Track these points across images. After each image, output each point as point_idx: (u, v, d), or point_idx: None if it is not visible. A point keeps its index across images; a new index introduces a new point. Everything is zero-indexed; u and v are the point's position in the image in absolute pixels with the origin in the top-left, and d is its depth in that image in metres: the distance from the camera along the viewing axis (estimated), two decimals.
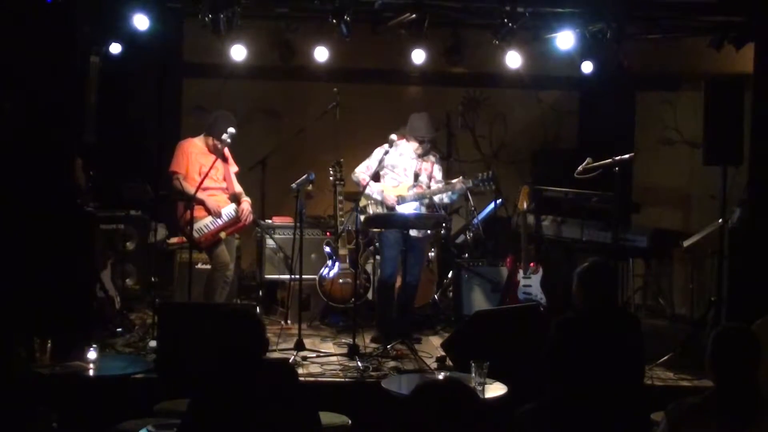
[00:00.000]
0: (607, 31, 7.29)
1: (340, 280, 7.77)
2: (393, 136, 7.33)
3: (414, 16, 7.47)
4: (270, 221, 8.30)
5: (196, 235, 7.22)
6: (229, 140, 7.25)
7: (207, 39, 8.02)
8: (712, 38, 7.57)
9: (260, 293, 8.32)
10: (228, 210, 7.43)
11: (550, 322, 4.57)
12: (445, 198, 7.47)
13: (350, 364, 6.56)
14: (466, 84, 9.87)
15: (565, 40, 7.75)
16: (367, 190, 7.32)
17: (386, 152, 7.30)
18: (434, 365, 6.60)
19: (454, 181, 7.44)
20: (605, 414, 4.32)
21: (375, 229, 7.49)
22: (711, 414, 3.46)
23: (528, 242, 7.89)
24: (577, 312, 4.75)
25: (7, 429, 3.51)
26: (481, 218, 8.66)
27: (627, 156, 7.35)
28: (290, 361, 6.46)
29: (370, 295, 8.10)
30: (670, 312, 8.64)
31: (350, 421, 5.14)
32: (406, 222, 7.30)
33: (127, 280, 8.17)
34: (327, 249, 7.83)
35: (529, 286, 7.70)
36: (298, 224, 7.25)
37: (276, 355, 6.62)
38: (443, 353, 6.60)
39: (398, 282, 7.53)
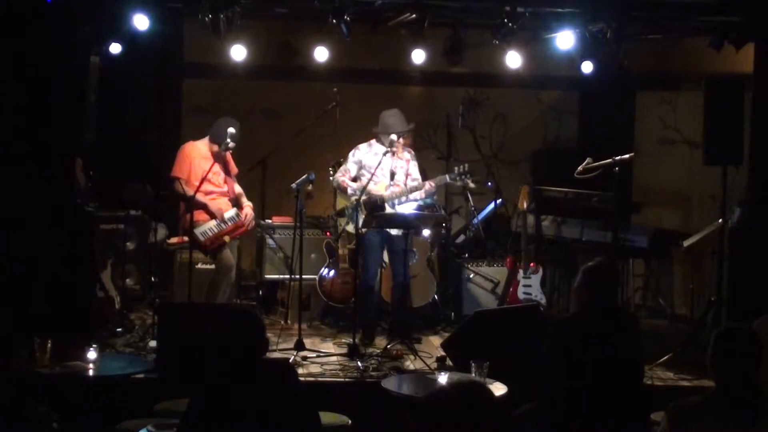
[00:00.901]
0: (607, 31, 7.29)
1: (340, 280, 7.78)
2: (393, 137, 7.33)
3: (414, 16, 7.47)
4: (270, 221, 8.30)
5: (201, 238, 7.23)
6: (231, 146, 7.29)
7: (207, 39, 8.01)
8: (712, 38, 7.57)
9: (260, 293, 8.32)
10: (230, 214, 7.46)
11: (550, 322, 4.58)
12: (423, 194, 7.49)
13: (350, 364, 6.56)
14: (466, 84, 9.87)
15: (565, 40, 7.74)
16: (350, 191, 7.34)
17: (386, 153, 7.31)
18: (434, 365, 6.60)
19: (426, 183, 7.45)
20: (605, 414, 4.32)
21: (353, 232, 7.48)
22: (712, 413, 3.46)
23: (528, 242, 7.89)
24: (577, 312, 4.76)
25: (7, 429, 3.51)
26: (481, 218, 8.66)
27: (627, 156, 7.35)
28: (290, 361, 6.46)
29: None
30: (670, 312, 8.64)
31: (350, 421, 5.15)
32: (406, 222, 7.30)
33: (127, 280, 8.17)
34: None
35: (529, 286, 7.70)
36: (298, 224, 7.25)
37: (276, 355, 6.62)
38: (443, 353, 6.60)
39: (385, 283, 7.56)
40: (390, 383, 5.49)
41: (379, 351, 6.91)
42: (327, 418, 4.83)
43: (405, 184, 7.41)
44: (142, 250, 8.39)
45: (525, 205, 7.87)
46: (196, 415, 3.70)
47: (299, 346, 6.79)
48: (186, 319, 6.18)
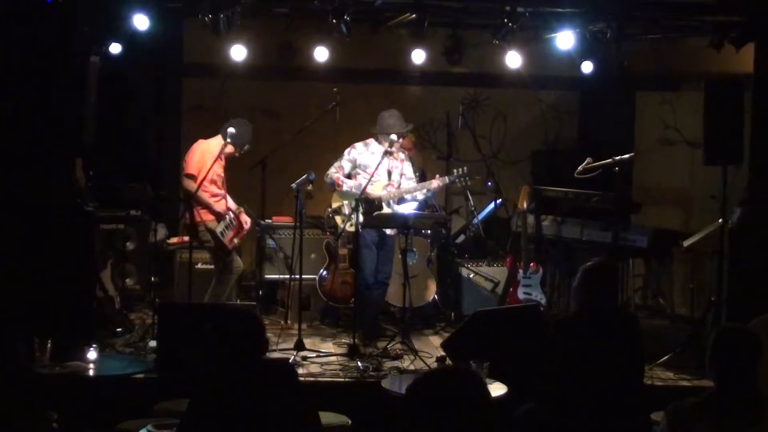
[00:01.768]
0: (607, 31, 7.29)
1: (340, 280, 7.78)
2: (393, 137, 7.34)
3: (414, 16, 7.47)
4: (270, 221, 8.30)
5: (221, 238, 7.26)
6: (244, 150, 7.31)
7: (207, 39, 8.01)
8: (712, 38, 7.57)
9: (260, 293, 8.32)
10: (231, 218, 7.46)
11: (550, 322, 4.58)
12: (419, 195, 7.51)
13: (350, 364, 6.56)
14: (466, 84, 9.87)
15: (565, 40, 7.75)
16: (345, 188, 7.34)
17: (386, 153, 7.32)
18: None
19: (433, 181, 7.45)
20: (605, 414, 4.32)
21: (350, 230, 7.47)
22: (711, 414, 3.46)
23: (528, 242, 7.89)
24: (577, 312, 4.76)
25: (6, 429, 3.51)
26: (481, 218, 8.66)
27: (627, 156, 7.35)
28: (290, 361, 6.46)
29: None
30: (670, 312, 8.64)
31: (350, 421, 5.15)
32: (406, 222, 7.31)
33: (127, 280, 8.17)
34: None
35: (529, 286, 7.69)
36: (298, 224, 7.25)
37: (276, 355, 6.62)
38: (443, 353, 6.60)
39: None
40: (390, 383, 5.49)
41: (379, 351, 6.91)
42: (327, 418, 4.83)
43: (399, 185, 7.42)
44: (142, 250, 8.39)
45: (525, 205, 7.86)
46: (196, 415, 3.70)
47: (299, 346, 6.79)
48: (186, 319, 6.18)
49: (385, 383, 5.52)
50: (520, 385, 4.98)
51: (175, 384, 5.27)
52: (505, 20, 7.25)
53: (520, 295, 7.68)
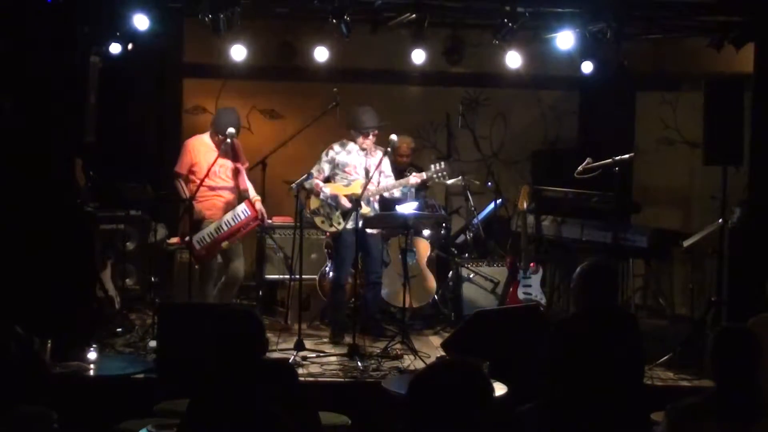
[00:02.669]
0: (607, 31, 7.29)
1: None
2: (393, 137, 7.34)
3: (414, 16, 7.47)
4: (270, 221, 8.29)
5: (197, 246, 7.18)
6: (231, 132, 7.24)
7: (207, 39, 8.01)
8: (712, 38, 7.57)
9: (260, 293, 8.32)
10: (236, 212, 7.35)
11: (550, 322, 4.58)
12: (396, 193, 7.51)
13: (350, 364, 6.56)
14: (466, 84, 9.86)
15: (565, 40, 7.74)
16: (321, 196, 7.34)
17: (385, 152, 7.33)
18: None
19: (410, 177, 7.46)
20: (605, 414, 4.32)
21: (331, 230, 7.47)
22: (711, 414, 3.46)
23: (528, 242, 7.89)
24: (576, 312, 4.75)
25: (7, 429, 3.51)
26: (481, 218, 8.66)
27: (627, 156, 7.35)
28: (290, 361, 6.46)
29: None
30: (670, 312, 8.64)
31: (350, 421, 5.15)
32: (406, 222, 7.32)
33: (127, 280, 8.16)
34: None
35: (529, 286, 7.69)
36: (298, 224, 7.25)
37: (276, 355, 6.62)
38: (443, 353, 6.60)
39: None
40: (390, 383, 5.50)
41: (379, 351, 6.91)
42: (327, 418, 4.83)
43: (378, 183, 7.40)
44: (142, 250, 8.39)
45: (525, 205, 7.87)
46: (196, 415, 3.70)
47: (299, 346, 6.79)
48: (186, 319, 6.18)
49: (385, 383, 5.52)
50: (520, 385, 4.98)
51: (175, 384, 5.27)
52: (505, 20, 7.24)
53: (520, 295, 7.68)
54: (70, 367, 5.19)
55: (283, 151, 8.59)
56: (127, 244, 8.19)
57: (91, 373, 5.16)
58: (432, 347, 7.27)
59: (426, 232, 8.25)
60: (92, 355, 5.21)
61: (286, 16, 8.70)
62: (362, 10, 7.63)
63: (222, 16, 7.05)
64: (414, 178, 7.44)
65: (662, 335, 7.68)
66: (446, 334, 7.28)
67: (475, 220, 8.54)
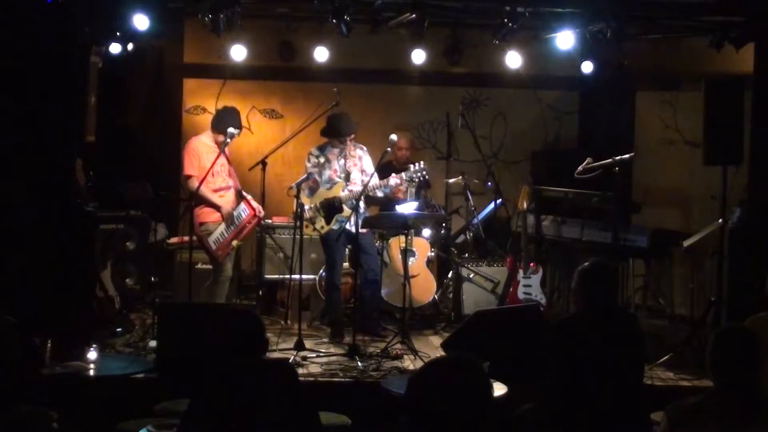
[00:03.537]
0: (607, 31, 7.28)
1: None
2: (393, 137, 7.34)
3: (414, 16, 7.47)
4: (270, 221, 8.30)
5: (213, 246, 7.19)
6: (235, 132, 7.24)
7: (207, 39, 8.01)
8: (712, 38, 7.57)
9: (260, 293, 8.32)
10: (238, 211, 7.37)
11: (550, 322, 4.58)
12: (379, 192, 7.49)
13: (350, 364, 6.56)
14: (466, 84, 9.86)
15: (565, 40, 7.74)
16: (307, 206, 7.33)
17: (385, 152, 7.34)
18: None
19: (390, 178, 7.44)
20: (605, 414, 4.32)
21: (314, 234, 7.46)
22: (711, 414, 3.46)
23: (528, 242, 7.89)
24: (576, 312, 4.75)
25: (6, 429, 3.51)
26: (481, 218, 8.66)
27: (627, 156, 7.35)
28: (290, 361, 6.46)
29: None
30: (670, 312, 8.64)
31: (350, 421, 5.14)
32: (406, 222, 7.32)
33: (127, 280, 8.17)
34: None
35: (529, 286, 7.69)
36: (298, 224, 7.25)
37: (276, 355, 6.62)
38: (443, 353, 6.60)
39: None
40: (390, 383, 5.50)
41: (379, 351, 6.91)
42: (327, 418, 4.83)
43: (361, 181, 7.39)
44: (142, 250, 8.38)
45: (525, 205, 7.87)
46: (196, 415, 3.70)
47: (299, 346, 6.79)
48: (186, 319, 6.17)
49: (385, 383, 5.52)
50: (520, 385, 4.99)
51: (175, 384, 5.27)
52: (505, 20, 7.24)
53: (520, 295, 7.68)
54: (70, 367, 5.17)
55: (283, 151, 8.62)
56: (127, 244, 8.18)
57: (91, 373, 5.14)
58: (432, 347, 7.27)
59: (426, 232, 8.25)
60: (92, 355, 5.19)
61: (286, 16, 8.71)
62: (362, 10, 7.64)
63: (222, 16, 7.05)
64: (394, 179, 7.42)
65: (662, 335, 7.68)
66: (446, 334, 7.28)
67: (475, 220, 8.54)
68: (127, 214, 8.10)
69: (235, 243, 7.41)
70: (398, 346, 6.95)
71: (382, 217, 7.63)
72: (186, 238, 7.47)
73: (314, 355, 6.80)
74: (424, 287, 8.08)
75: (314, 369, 6.51)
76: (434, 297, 8.25)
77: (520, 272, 7.72)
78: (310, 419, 3.82)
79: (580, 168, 7.46)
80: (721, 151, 6.89)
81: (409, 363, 6.66)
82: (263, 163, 7.52)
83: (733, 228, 7.08)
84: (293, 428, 3.70)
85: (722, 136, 6.85)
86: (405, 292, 7.27)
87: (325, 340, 7.43)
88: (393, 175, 7.51)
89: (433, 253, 8.32)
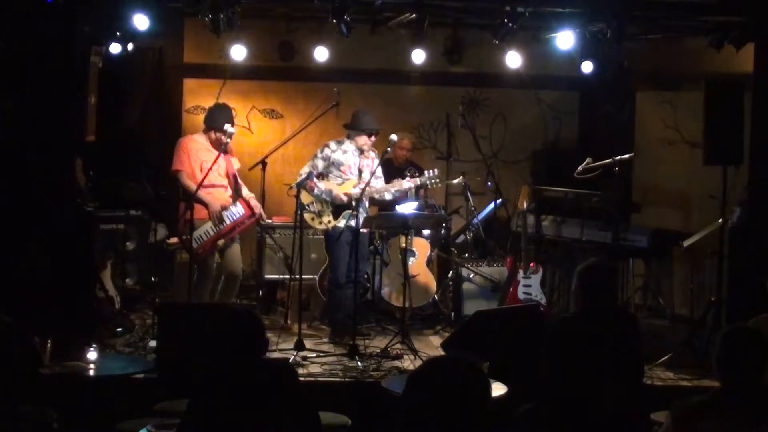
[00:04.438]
0: (607, 31, 7.28)
1: None
2: (393, 137, 7.35)
3: (414, 16, 7.47)
4: (270, 221, 8.30)
5: (194, 243, 7.17)
6: (229, 130, 7.23)
7: (207, 39, 8.01)
8: (712, 38, 7.56)
9: (260, 293, 8.32)
10: (233, 210, 7.36)
11: (550, 322, 4.58)
12: (388, 195, 7.51)
13: (350, 364, 6.56)
14: (466, 84, 9.87)
15: (565, 40, 7.74)
16: (315, 191, 7.32)
17: (385, 152, 7.34)
18: None
19: (404, 181, 7.47)
20: (605, 414, 4.32)
21: (320, 228, 7.46)
22: (716, 413, 3.46)
23: (528, 242, 7.89)
24: (576, 312, 4.76)
25: (6, 429, 3.51)
26: (481, 218, 8.66)
27: (627, 156, 7.35)
28: (290, 361, 6.46)
29: (369, 295, 8.11)
30: (670, 312, 8.64)
31: (350, 421, 5.14)
32: (406, 222, 7.32)
33: (127, 280, 8.17)
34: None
35: (529, 286, 7.69)
36: (298, 224, 7.25)
37: (276, 355, 6.62)
38: (443, 353, 6.60)
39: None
40: (390, 383, 5.50)
41: (379, 351, 6.91)
42: (327, 418, 4.83)
43: (370, 183, 7.40)
44: (142, 250, 8.38)
45: (525, 205, 7.87)
46: (196, 415, 3.70)
47: (299, 346, 6.79)
48: (186, 319, 6.17)
49: (385, 383, 5.52)
50: (520, 385, 4.98)
51: (175, 384, 5.26)
52: (505, 20, 7.24)
53: (520, 295, 7.68)
54: (70, 367, 5.17)
55: (283, 151, 8.62)
56: (127, 244, 8.18)
57: (91, 373, 5.13)
58: (432, 347, 7.27)
59: (426, 232, 8.25)
60: (92, 355, 5.18)
61: (286, 16, 8.71)
62: (362, 10, 7.63)
63: (222, 16, 7.05)
64: (408, 183, 7.43)
65: (662, 335, 7.68)
66: (446, 334, 7.28)
67: (475, 220, 8.54)
68: (127, 214, 8.10)
69: (221, 242, 7.36)
70: (398, 346, 6.95)
71: (382, 217, 7.62)
72: (184, 237, 7.47)
73: (314, 355, 6.80)
74: (424, 287, 8.08)
75: (314, 369, 6.51)
76: (434, 297, 8.25)
77: (520, 272, 7.72)
78: (310, 419, 3.82)
79: (580, 168, 7.46)
80: (721, 151, 6.89)
81: (409, 363, 6.66)
82: (263, 163, 7.53)
83: (733, 228, 7.08)
84: (293, 428, 3.70)
85: (722, 136, 6.85)
86: (405, 292, 7.27)
87: (325, 340, 7.43)
88: (407, 178, 7.52)
89: (433, 253, 8.32)
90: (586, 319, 4.58)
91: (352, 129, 7.40)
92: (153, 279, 7.93)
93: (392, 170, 8.14)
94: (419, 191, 8.17)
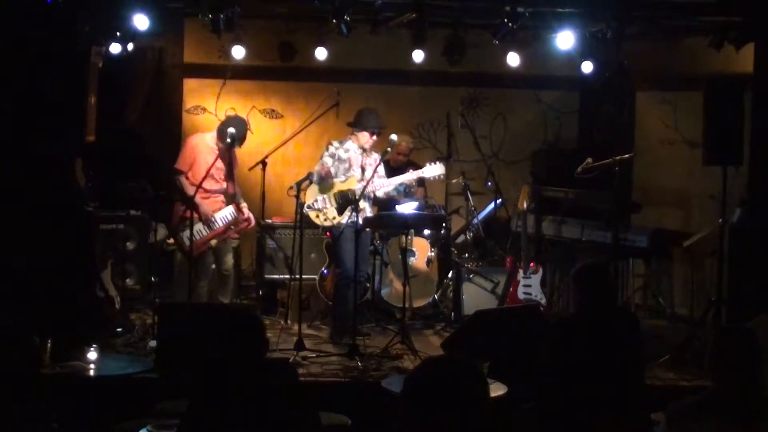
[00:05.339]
0: (607, 31, 7.29)
1: None
2: (393, 137, 7.35)
3: (414, 16, 7.47)
4: (270, 221, 8.30)
5: (186, 242, 7.18)
6: (229, 142, 7.27)
7: (207, 39, 8.00)
8: (712, 38, 7.57)
9: (260, 293, 8.32)
10: (224, 213, 7.41)
11: (550, 322, 4.58)
12: (392, 191, 7.54)
13: (350, 364, 6.56)
14: (466, 84, 9.86)
15: (565, 40, 7.74)
16: (333, 172, 7.32)
17: (385, 152, 7.35)
18: None
19: (407, 174, 7.50)
20: (605, 414, 4.32)
21: (325, 225, 7.47)
22: (711, 413, 3.46)
23: (528, 242, 7.89)
24: (576, 312, 4.76)
25: (6, 429, 3.51)
26: (481, 218, 8.66)
27: (627, 156, 7.35)
28: (290, 361, 6.46)
29: (369, 295, 8.11)
30: (670, 312, 8.64)
31: (350, 421, 5.14)
32: (406, 222, 7.32)
33: (127, 280, 8.16)
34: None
35: (529, 286, 7.69)
36: (298, 224, 7.25)
37: (276, 355, 6.62)
38: (443, 353, 6.60)
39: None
40: (390, 383, 5.50)
41: (379, 351, 6.91)
42: (327, 418, 4.83)
43: (373, 182, 7.39)
44: (142, 250, 8.38)
45: (525, 205, 7.87)
46: (196, 415, 3.70)
47: (299, 346, 6.78)
48: (186, 319, 6.18)
49: (385, 383, 5.52)
50: (520, 385, 4.99)
51: (175, 384, 5.27)
52: (505, 20, 7.24)
53: (520, 295, 7.68)
54: (70, 367, 5.17)
55: (283, 151, 8.62)
56: (127, 244, 8.18)
57: (91, 373, 5.14)
58: (432, 347, 7.27)
59: (426, 232, 8.25)
60: (92, 355, 5.18)
61: (286, 16, 8.71)
62: (362, 10, 7.63)
63: (222, 16, 7.05)
64: (412, 174, 7.44)
65: (662, 335, 7.68)
66: (446, 334, 7.28)
67: (475, 220, 8.54)
68: (127, 214, 8.09)
69: (213, 242, 7.41)
70: (398, 346, 6.95)
71: (382, 217, 7.62)
72: (177, 236, 7.48)
73: (314, 355, 6.80)
74: (424, 287, 8.08)
75: (314, 369, 6.51)
76: (434, 297, 8.25)
77: (520, 272, 7.72)
78: (310, 419, 3.82)
79: (580, 168, 7.46)
80: (721, 151, 6.89)
81: (409, 363, 6.66)
82: (263, 163, 7.54)
83: (733, 228, 7.07)
84: (293, 428, 3.70)
85: (722, 136, 6.85)
86: (405, 292, 7.27)
87: (326, 339, 7.43)
88: (411, 170, 7.53)
89: (433, 253, 8.32)
90: (586, 319, 4.58)
91: (355, 127, 7.41)
92: (153, 279, 7.93)
93: (389, 172, 8.13)
94: (419, 190, 8.18)
